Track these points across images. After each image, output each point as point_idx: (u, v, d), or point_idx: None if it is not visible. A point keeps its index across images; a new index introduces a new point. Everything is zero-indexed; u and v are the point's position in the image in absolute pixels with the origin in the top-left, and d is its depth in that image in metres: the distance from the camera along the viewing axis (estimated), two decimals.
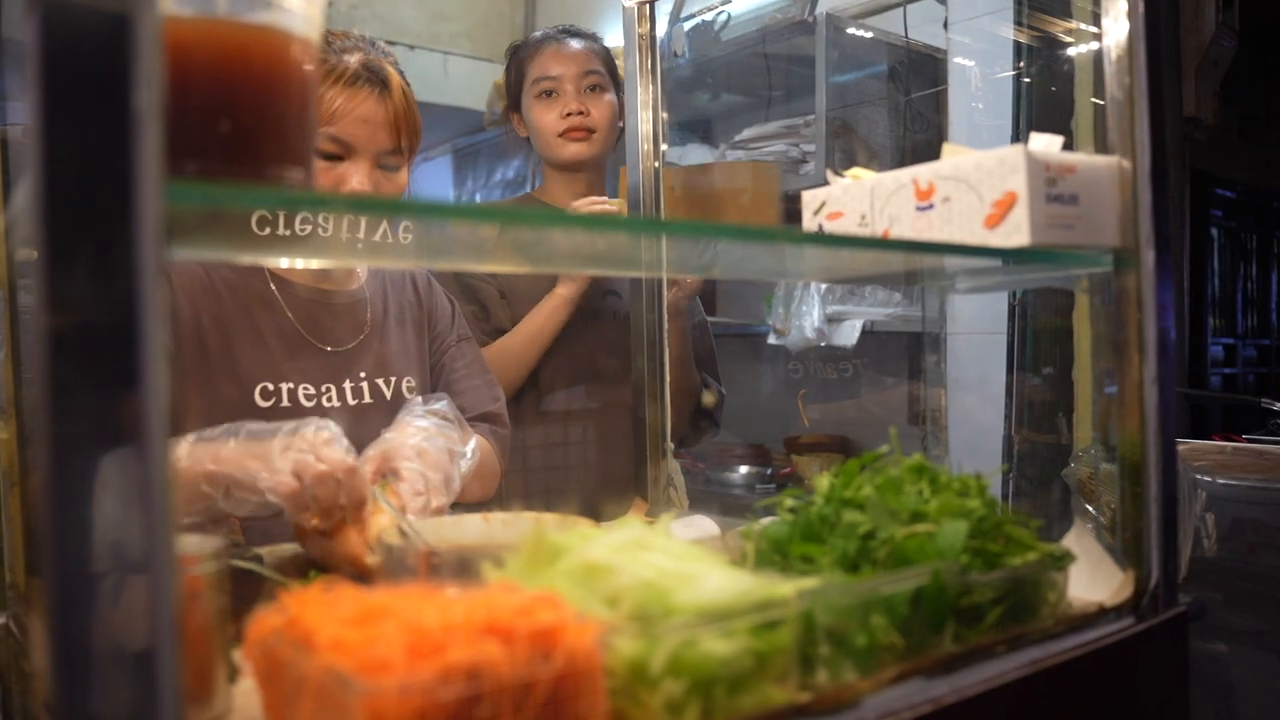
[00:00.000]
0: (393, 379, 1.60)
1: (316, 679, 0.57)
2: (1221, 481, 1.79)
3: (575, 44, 1.99)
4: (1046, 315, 2.38)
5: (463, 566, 0.86)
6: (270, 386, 1.46)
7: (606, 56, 2.02)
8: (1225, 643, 1.77)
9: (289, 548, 1.34)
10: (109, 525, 0.47)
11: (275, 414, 1.45)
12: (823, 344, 2.82)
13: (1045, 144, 1.00)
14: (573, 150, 1.95)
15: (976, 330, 2.49)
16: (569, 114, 1.94)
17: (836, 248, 1.02)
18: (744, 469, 3.04)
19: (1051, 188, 0.96)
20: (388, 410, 1.54)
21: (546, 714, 0.57)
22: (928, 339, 2.66)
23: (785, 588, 0.71)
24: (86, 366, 0.46)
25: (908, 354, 3.03)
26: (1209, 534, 1.77)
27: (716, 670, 0.66)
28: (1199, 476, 1.80)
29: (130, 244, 0.45)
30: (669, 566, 0.71)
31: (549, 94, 1.96)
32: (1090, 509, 1.62)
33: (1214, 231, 3.91)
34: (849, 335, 2.80)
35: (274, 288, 1.52)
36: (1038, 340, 2.38)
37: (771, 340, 2.92)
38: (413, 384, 1.61)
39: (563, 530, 0.79)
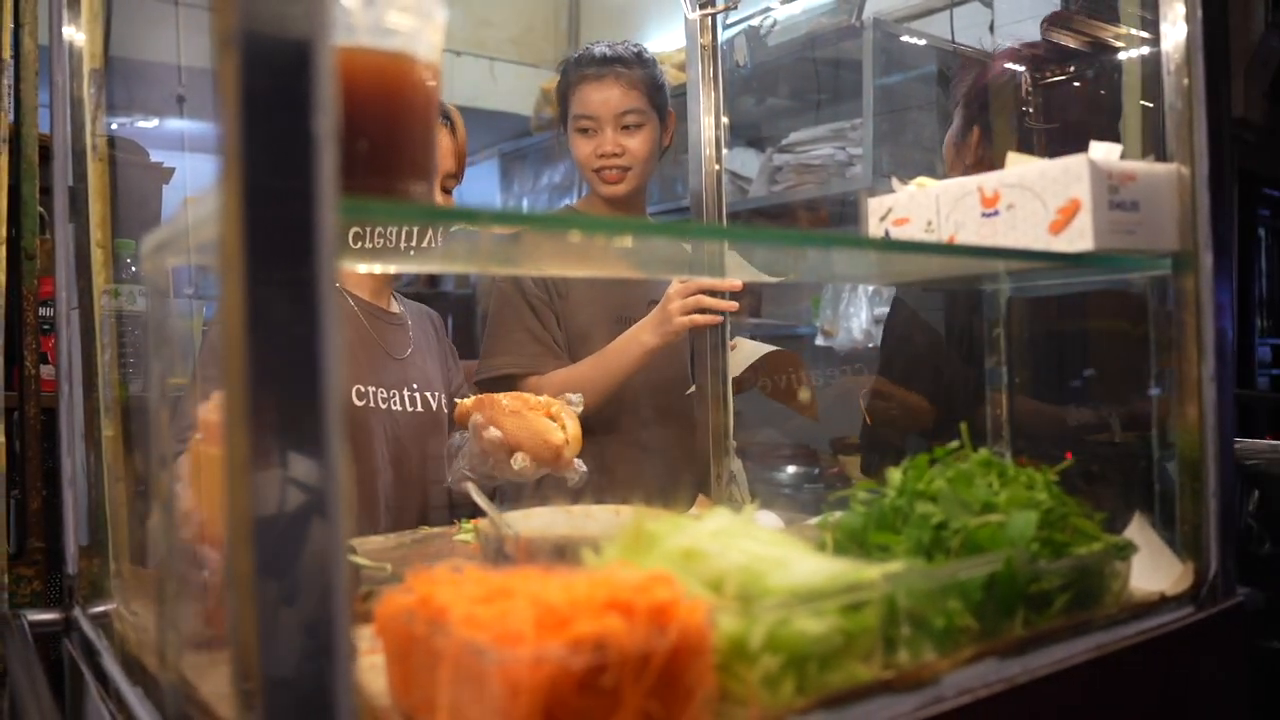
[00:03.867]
0: (434, 393, 1.73)
1: (453, 652, 0.62)
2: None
3: (615, 78, 1.99)
4: (1093, 317, 2.40)
5: (558, 554, 0.92)
6: (362, 389, 1.57)
7: (650, 83, 2.02)
8: (1278, 641, 1.79)
9: (376, 540, 1.41)
10: (289, 514, 0.52)
11: (366, 414, 1.57)
12: (870, 345, 2.86)
13: (1105, 152, 1.04)
14: (607, 191, 2.01)
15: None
16: (604, 154, 1.99)
17: (915, 254, 1.06)
18: (791, 469, 3.07)
19: (1114, 195, 1.00)
20: (431, 421, 1.66)
21: (662, 684, 0.62)
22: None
23: (871, 571, 0.76)
24: (271, 366, 0.51)
25: None
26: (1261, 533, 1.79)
27: (809, 648, 0.71)
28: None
29: (312, 253, 0.51)
30: (761, 551, 0.76)
31: (586, 131, 2.01)
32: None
33: (1261, 232, 3.88)
34: None
35: (349, 299, 1.62)
36: (1084, 341, 2.40)
37: (819, 342, 2.95)
38: (443, 402, 1.74)
39: (654, 520, 0.84)
